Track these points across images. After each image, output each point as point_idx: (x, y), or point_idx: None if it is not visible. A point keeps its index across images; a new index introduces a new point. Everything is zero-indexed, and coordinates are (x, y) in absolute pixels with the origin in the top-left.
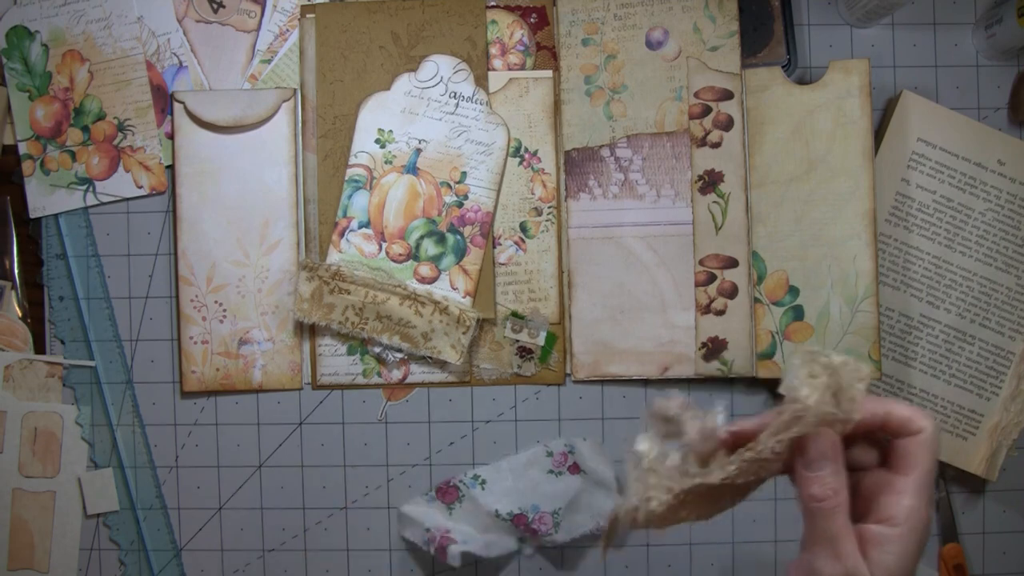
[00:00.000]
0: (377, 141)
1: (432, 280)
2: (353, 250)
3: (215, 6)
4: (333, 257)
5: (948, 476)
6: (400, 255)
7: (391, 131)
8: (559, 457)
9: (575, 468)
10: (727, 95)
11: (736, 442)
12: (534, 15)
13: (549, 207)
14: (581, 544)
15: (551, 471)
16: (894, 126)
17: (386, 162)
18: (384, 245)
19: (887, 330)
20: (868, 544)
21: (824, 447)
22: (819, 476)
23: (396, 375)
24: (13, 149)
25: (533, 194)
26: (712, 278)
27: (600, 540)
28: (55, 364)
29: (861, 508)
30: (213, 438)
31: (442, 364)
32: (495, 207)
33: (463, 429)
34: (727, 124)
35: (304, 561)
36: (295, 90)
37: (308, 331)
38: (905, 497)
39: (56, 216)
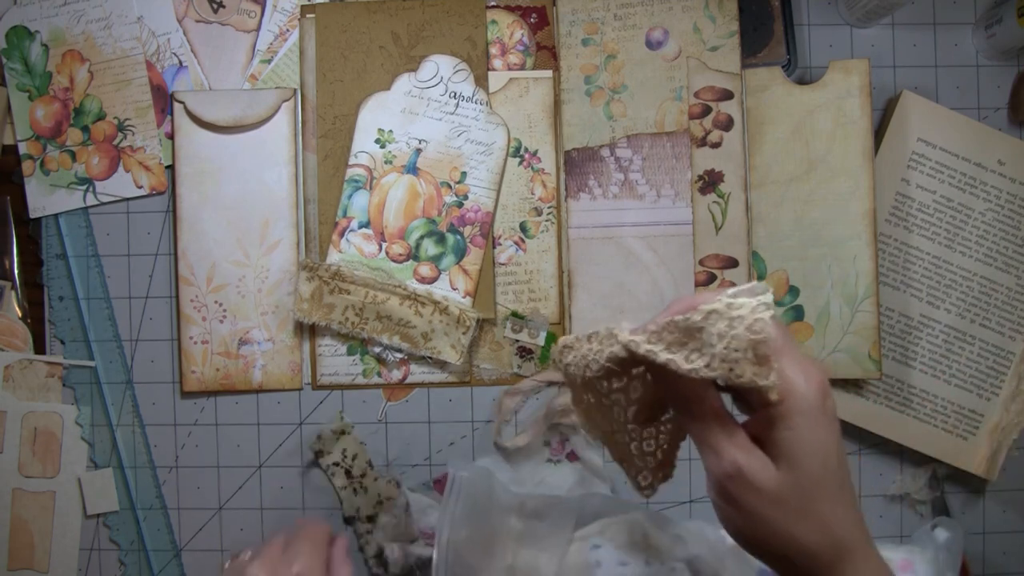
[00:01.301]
0: (377, 141)
1: (432, 280)
2: (353, 250)
3: (215, 6)
4: (333, 257)
5: (944, 475)
6: (400, 255)
7: (391, 131)
8: (556, 445)
9: (573, 456)
10: (727, 95)
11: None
12: (534, 15)
13: (549, 207)
14: None
15: (549, 459)
16: (894, 126)
17: (386, 162)
18: (384, 245)
19: (887, 330)
20: (763, 425)
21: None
22: (677, 375)
23: (396, 375)
24: (13, 149)
25: (533, 194)
26: (712, 278)
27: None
28: (55, 364)
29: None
30: (213, 438)
31: (442, 364)
32: (495, 207)
33: (463, 429)
34: (727, 124)
35: None
36: (295, 90)
37: (308, 331)
38: (784, 373)
39: (56, 216)
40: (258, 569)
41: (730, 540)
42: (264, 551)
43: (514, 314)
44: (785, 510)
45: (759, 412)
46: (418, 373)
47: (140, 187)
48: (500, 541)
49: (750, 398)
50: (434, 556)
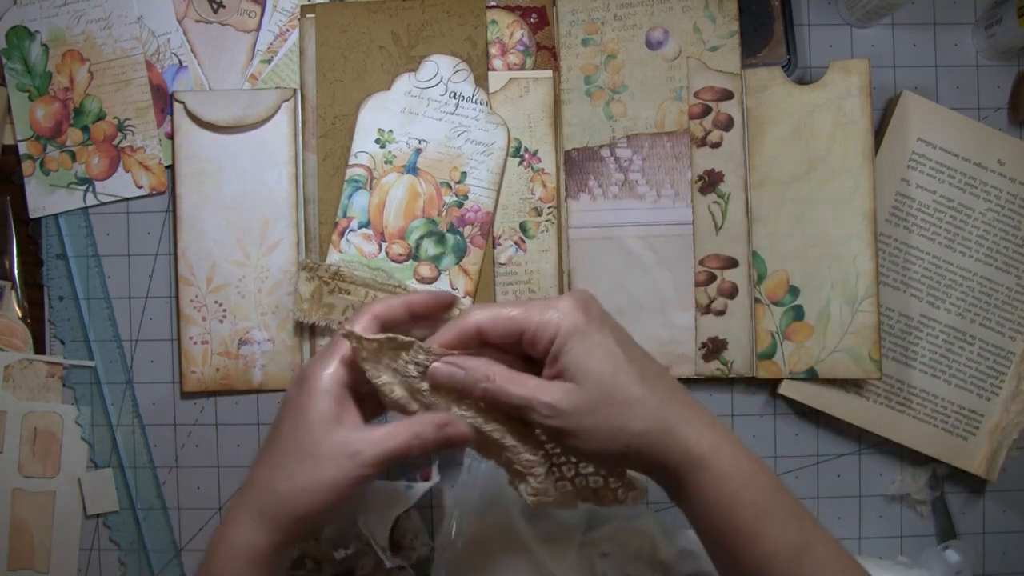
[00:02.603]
0: (377, 141)
1: (432, 280)
2: (353, 250)
3: (215, 6)
4: (333, 257)
5: (944, 475)
6: (400, 255)
7: (391, 131)
8: None
9: None
10: (727, 95)
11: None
12: (534, 15)
13: (549, 207)
14: None
15: None
16: (894, 126)
17: (386, 162)
18: (384, 245)
19: (887, 330)
20: (551, 363)
21: (439, 371)
22: (463, 386)
23: None
24: (13, 149)
25: (533, 194)
26: (712, 278)
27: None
28: (55, 364)
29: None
30: (213, 438)
31: None
32: (495, 207)
33: None
34: (727, 124)
35: None
36: (295, 90)
37: (308, 331)
38: (540, 323)
39: (56, 216)
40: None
41: None
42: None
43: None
44: (605, 413)
45: (548, 362)
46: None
47: (140, 187)
48: (506, 536)
49: (540, 352)
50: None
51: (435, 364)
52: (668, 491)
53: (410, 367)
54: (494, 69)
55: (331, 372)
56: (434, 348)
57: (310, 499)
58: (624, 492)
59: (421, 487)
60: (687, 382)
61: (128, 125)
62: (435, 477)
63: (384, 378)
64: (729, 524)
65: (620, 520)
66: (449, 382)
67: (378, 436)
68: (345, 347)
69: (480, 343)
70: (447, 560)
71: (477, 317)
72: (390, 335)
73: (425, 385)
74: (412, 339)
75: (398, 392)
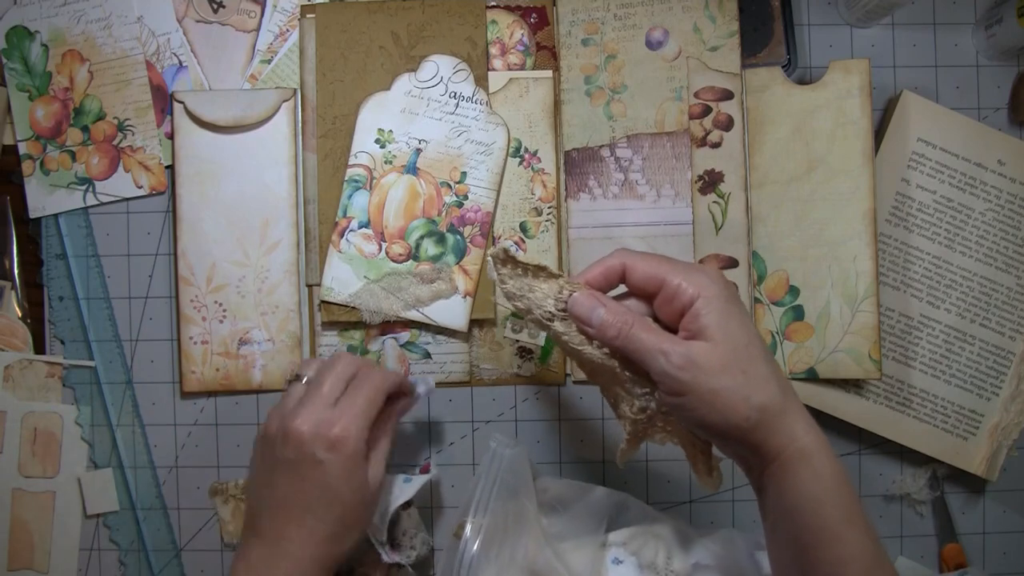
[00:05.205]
0: (377, 141)
1: (432, 280)
2: (353, 250)
3: (215, 6)
4: (333, 257)
5: (944, 475)
6: (400, 255)
7: (391, 131)
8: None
9: None
10: (727, 95)
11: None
12: (534, 15)
13: (549, 207)
14: None
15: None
16: (894, 126)
17: (386, 162)
18: (384, 245)
19: (887, 330)
20: (689, 322)
21: (580, 304)
22: (600, 323)
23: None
24: (13, 149)
25: (533, 194)
26: None
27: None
28: (55, 364)
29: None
30: (213, 438)
31: (442, 364)
32: (495, 207)
33: (463, 429)
34: (727, 124)
35: None
36: (295, 90)
37: (308, 331)
38: (685, 280)
39: (56, 216)
40: (301, 423)
41: (766, 568)
42: (312, 399)
43: (514, 314)
44: (734, 375)
45: (682, 319)
46: (418, 373)
47: (140, 187)
48: (524, 531)
49: (671, 311)
50: (466, 530)
51: (577, 295)
52: (757, 478)
53: (549, 301)
54: (494, 69)
55: (365, 430)
56: (580, 282)
57: (351, 547)
58: (708, 468)
59: (419, 480)
60: None
61: (128, 125)
62: (433, 470)
63: (519, 304)
64: (817, 521)
65: (643, 523)
66: (588, 317)
67: (379, 466)
68: (380, 391)
69: (618, 285)
70: (478, 528)
71: (624, 256)
72: (542, 263)
73: (556, 323)
74: (561, 272)
75: (532, 316)
